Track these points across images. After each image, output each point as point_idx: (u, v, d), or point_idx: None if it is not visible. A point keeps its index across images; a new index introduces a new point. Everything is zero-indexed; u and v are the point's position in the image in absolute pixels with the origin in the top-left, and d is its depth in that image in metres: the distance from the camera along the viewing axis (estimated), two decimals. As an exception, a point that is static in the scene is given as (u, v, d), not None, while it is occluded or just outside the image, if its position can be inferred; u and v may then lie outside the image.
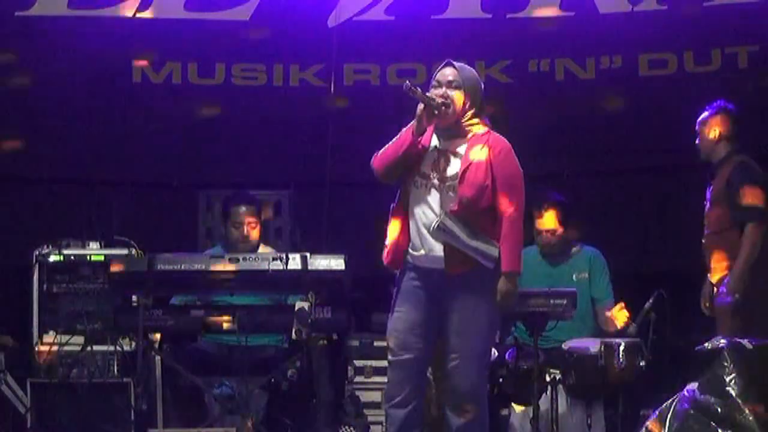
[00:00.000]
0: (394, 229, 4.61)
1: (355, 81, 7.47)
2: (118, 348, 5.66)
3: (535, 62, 7.39)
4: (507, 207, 4.55)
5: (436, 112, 4.50)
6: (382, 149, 4.58)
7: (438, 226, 4.46)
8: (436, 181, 4.54)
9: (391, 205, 4.64)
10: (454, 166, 4.55)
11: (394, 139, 4.59)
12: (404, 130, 4.58)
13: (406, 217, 4.59)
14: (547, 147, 7.34)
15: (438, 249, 4.51)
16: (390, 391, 4.60)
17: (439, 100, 4.50)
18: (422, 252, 4.55)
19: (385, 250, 4.64)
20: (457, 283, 4.51)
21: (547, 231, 5.97)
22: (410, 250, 4.58)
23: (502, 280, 4.52)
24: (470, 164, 4.52)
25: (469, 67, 4.69)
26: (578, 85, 7.48)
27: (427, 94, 4.50)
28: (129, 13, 7.33)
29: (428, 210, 4.54)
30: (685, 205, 6.49)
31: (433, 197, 4.54)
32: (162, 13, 7.34)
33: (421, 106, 4.48)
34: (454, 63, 4.63)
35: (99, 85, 7.35)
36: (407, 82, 4.49)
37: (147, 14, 7.34)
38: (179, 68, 7.41)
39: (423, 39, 7.39)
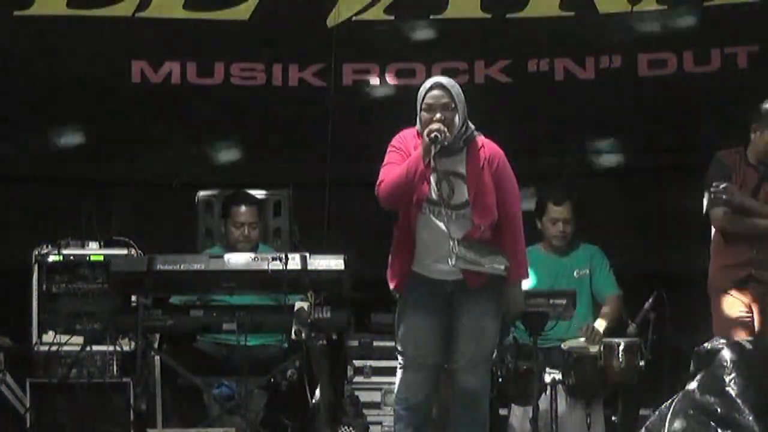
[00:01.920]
0: (399, 253, 4.63)
1: (355, 81, 7.47)
2: (117, 348, 5.66)
3: (535, 62, 7.39)
4: (511, 215, 4.66)
5: (446, 143, 4.49)
6: (387, 179, 4.55)
7: (456, 257, 4.48)
8: (444, 208, 4.55)
9: (394, 228, 4.65)
10: (460, 192, 4.57)
11: (389, 168, 4.57)
12: (406, 155, 4.57)
13: (412, 241, 4.60)
14: (547, 147, 7.35)
15: (451, 267, 4.54)
16: (405, 394, 4.64)
17: (444, 133, 4.47)
18: (435, 267, 4.58)
19: (391, 274, 4.66)
20: (471, 291, 4.56)
21: (563, 221, 5.98)
22: (420, 265, 4.61)
23: (513, 289, 4.62)
24: (477, 189, 4.56)
25: (453, 81, 4.69)
26: (578, 84, 7.48)
27: (433, 128, 4.47)
28: (128, 13, 7.33)
29: (439, 235, 4.55)
30: (684, 204, 6.48)
31: (443, 223, 4.55)
32: (161, 12, 7.34)
33: (427, 139, 4.46)
34: (443, 83, 4.63)
35: (98, 84, 7.35)
36: (434, 135, 4.46)
37: (146, 14, 7.34)
38: (178, 68, 7.40)
39: (422, 39, 7.40)
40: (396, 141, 4.66)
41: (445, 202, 4.55)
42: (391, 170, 4.55)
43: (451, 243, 4.50)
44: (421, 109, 4.58)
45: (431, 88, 4.59)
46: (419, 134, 4.59)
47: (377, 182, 4.58)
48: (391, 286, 4.67)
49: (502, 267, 4.55)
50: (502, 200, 4.61)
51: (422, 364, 4.62)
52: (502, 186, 4.62)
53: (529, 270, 4.82)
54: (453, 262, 4.50)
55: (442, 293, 4.61)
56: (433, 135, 4.44)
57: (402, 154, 4.60)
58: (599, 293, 5.99)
